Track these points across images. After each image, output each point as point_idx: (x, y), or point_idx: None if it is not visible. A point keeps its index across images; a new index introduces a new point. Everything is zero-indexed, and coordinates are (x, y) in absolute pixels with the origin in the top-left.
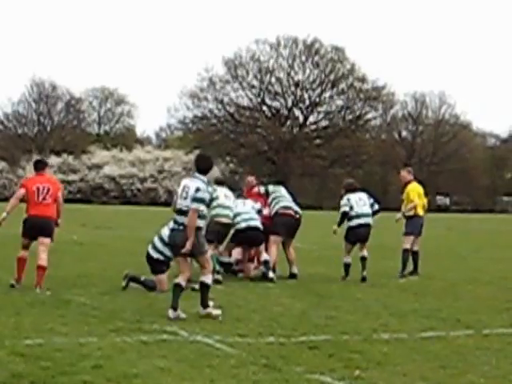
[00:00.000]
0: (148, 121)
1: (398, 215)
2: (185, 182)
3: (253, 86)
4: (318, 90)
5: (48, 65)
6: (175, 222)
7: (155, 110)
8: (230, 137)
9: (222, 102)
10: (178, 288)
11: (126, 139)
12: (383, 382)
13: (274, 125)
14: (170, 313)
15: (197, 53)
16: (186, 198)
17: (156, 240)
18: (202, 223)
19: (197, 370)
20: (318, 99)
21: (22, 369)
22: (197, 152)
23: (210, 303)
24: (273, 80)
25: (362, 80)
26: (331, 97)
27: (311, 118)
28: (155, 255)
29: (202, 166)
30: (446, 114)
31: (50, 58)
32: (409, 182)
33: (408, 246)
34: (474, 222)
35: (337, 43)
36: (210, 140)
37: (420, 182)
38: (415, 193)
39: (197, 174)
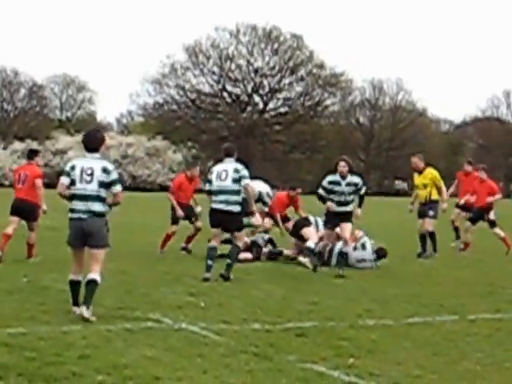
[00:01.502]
0: (108, 107)
1: (445, 205)
2: (79, 163)
3: (213, 73)
4: (278, 77)
5: (9, 52)
6: (74, 210)
7: (115, 97)
8: (191, 123)
9: (183, 88)
10: (74, 284)
11: (87, 125)
12: (378, 370)
13: (234, 111)
14: (75, 309)
15: (158, 40)
16: (90, 182)
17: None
18: (106, 208)
19: (187, 359)
20: (277, 86)
21: (8, 360)
22: (159, 137)
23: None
24: (233, 67)
25: (321, 67)
26: (290, 83)
27: (271, 105)
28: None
29: (92, 144)
30: (403, 100)
31: (12, 46)
32: (423, 169)
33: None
34: None
35: (295, 31)
36: (171, 126)
37: (436, 168)
38: (439, 178)
39: (88, 154)
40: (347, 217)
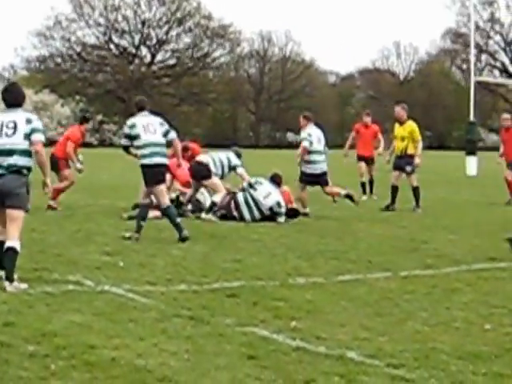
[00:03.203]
0: None
1: (418, 160)
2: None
3: (99, 24)
4: (165, 28)
5: None
6: None
7: None
8: (77, 76)
9: (68, 40)
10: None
11: None
12: (324, 333)
13: (121, 63)
14: (7, 286)
15: None
16: (12, 135)
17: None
18: (31, 163)
19: (119, 325)
20: (165, 37)
21: None
22: (46, 91)
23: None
24: (119, 18)
25: (209, 18)
26: (178, 35)
27: (159, 56)
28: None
29: (16, 100)
30: (292, 51)
31: None
32: (405, 120)
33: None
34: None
35: None
36: (57, 79)
37: (414, 120)
38: (418, 132)
39: (10, 109)
40: None
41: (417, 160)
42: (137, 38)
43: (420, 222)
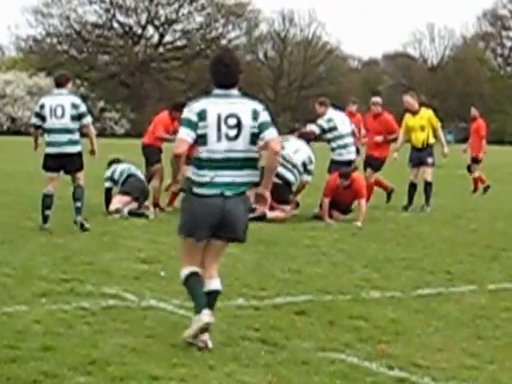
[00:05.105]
0: None
1: (446, 149)
2: (213, 108)
3: (102, 1)
4: (175, 6)
5: None
6: (212, 184)
7: None
8: (77, 58)
9: (68, 18)
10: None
11: None
12: (423, 360)
13: (126, 44)
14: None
15: None
16: (235, 138)
17: None
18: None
19: (181, 350)
20: (174, 16)
21: None
22: (42, 74)
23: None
24: None
25: None
26: (189, 13)
27: (168, 37)
28: None
29: (229, 78)
30: (315, 33)
31: None
32: (418, 109)
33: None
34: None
35: None
36: (55, 61)
37: (435, 110)
38: (436, 119)
39: (225, 94)
40: None
41: (445, 150)
42: (143, 16)
43: (491, 225)
